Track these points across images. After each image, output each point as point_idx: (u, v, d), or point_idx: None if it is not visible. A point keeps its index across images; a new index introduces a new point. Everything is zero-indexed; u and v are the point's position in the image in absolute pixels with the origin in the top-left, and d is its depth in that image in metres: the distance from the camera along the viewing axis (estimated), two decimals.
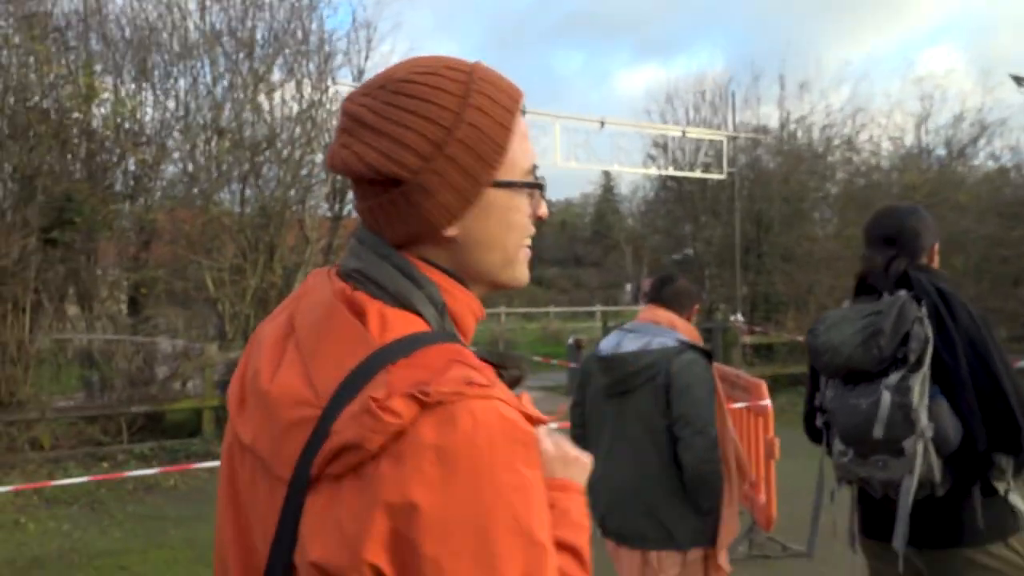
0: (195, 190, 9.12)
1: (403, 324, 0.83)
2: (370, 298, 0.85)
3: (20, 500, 6.82)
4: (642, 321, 2.94)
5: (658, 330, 2.86)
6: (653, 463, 2.74)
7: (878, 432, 2.23)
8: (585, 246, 52.56)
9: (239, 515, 0.88)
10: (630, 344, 2.85)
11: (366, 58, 10.48)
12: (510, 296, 37.78)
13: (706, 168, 12.09)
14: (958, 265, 14.33)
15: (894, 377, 2.22)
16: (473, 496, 0.73)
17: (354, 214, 9.21)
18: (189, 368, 9.09)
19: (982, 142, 14.45)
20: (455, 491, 0.73)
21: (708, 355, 2.88)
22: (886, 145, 13.98)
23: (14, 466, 7.84)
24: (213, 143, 9.14)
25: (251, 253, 9.44)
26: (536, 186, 0.93)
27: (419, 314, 0.85)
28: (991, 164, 15.35)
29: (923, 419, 2.16)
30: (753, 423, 5.26)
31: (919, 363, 2.19)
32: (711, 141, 12.37)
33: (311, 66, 9.72)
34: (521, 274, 0.96)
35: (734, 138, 12.62)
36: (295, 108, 9.65)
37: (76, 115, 8.38)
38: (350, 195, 11.15)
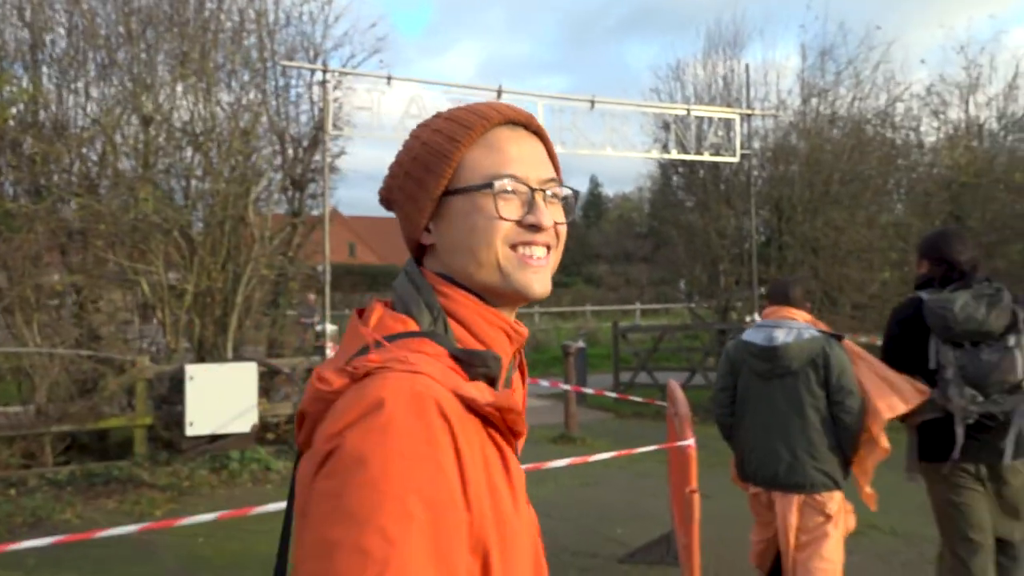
0: (121, 186, 8.28)
1: (395, 325, 0.98)
2: (380, 305, 1.02)
3: None
4: (780, 318, 3.73)
5: (800, 325, 3.65)
6: (817, 427, 3.54)
7: (1013, 377, 3.31)
8: (635, 241, 50.94)
9: None
10: (784, 337, 3.61)
11: (323, 37, 9.51)
12: (555, 295, 36.65)
13: (716, 151, 10.74)
14: (1015, 255, 12.67)
15: (1012, 339, 3.32)
16: (360, 450, 0.81)
17: (315, 211, 8.02)
18: (116, 383, 8.25)
19: None
20: (351, 441, 0.82)
21: (841, 339, 3.72)
22: (928, 120, 12.39)
23: None
24: (140, 134, 8.29)
25: (190, 254, 8.57)
26: (484, 187, 0.99)
27: (413, 317, 0.98)
28: None
29: None
30: None
31: (1019, 329, 3.33)
32: (722, 120, 11.03)
33: (251, 47, 8.79)
34: (519, 280, 1.00)
35: (748, 116, 11.26)
36: (235, 95, 8.74)
37: None
38: (309, 191, 10.21)
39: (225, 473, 7.90)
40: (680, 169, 12.56)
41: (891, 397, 3.44)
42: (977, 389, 3.31)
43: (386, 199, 1.08)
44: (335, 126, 9.28)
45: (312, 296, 18.36)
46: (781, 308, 3.79)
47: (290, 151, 9.67)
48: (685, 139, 10.77)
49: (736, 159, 11.06)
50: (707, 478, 4.91)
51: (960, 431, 3.34)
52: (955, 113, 12.76)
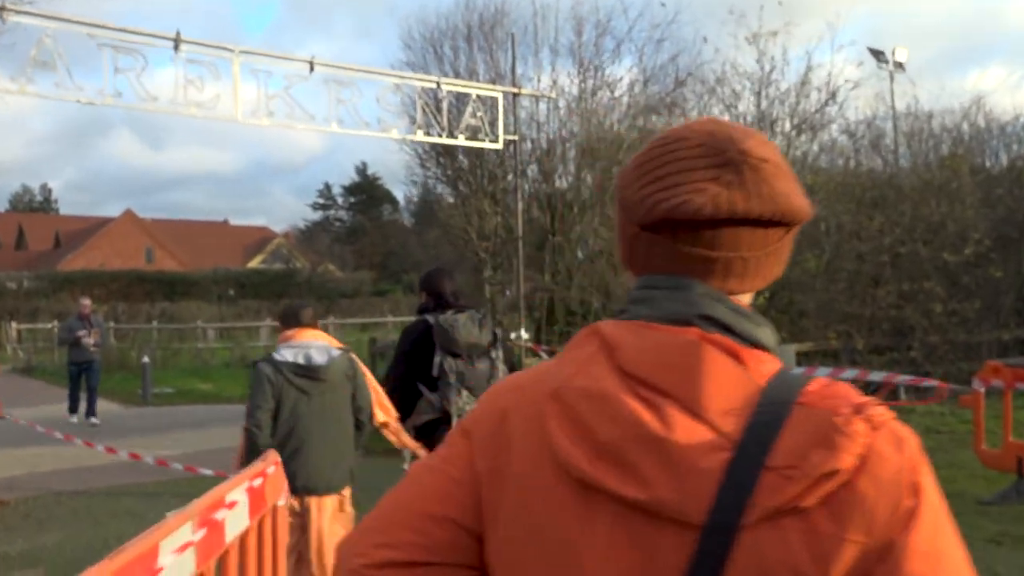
0: None
1: (768, 362, 0.90)
2: (729, 340, 0.90)
3: None
4: (306, 340, 4.21)
5: (325, 344, 4.25)
6: (348, 435, 4.21)
7: (496, 381, 4.01)
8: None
9: None
10: (320, 357, 4.15)
11: None
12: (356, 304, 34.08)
13: (474, 134, 8.89)
14: (811, 266, 11.69)
15: (494, 352, 4.40)
16: (934, 500, 0.83)
17: None
18: None
19: (833, 110, 11.84)
20: (928, 492, 0.83)
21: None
22: (717, 111, 11.15)
23: None
24: None
25: None
26: None
27: (767, 350, 0.92)
28: (844, 140, 12.83)
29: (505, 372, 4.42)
30: None
31: (499, 344, 4.47)
32: (485, 99, 9.21)
33: None
34: None
35: (516, 96, 9.51)
36: None
37: None
38: None
39: None
40: (441, 158, 10.64)
41: (382, 405, 4.35)
42: (470, 391, 4.20)
43: (801, 221, 0.94)
44: None
45: (87, 302, 13.60)
46: (301, 330, 4.24)
47: None
48: (437, 119, 8.86)
49: (499, 145, 9.26)
50: None
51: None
52: (746, 107, 11.64)
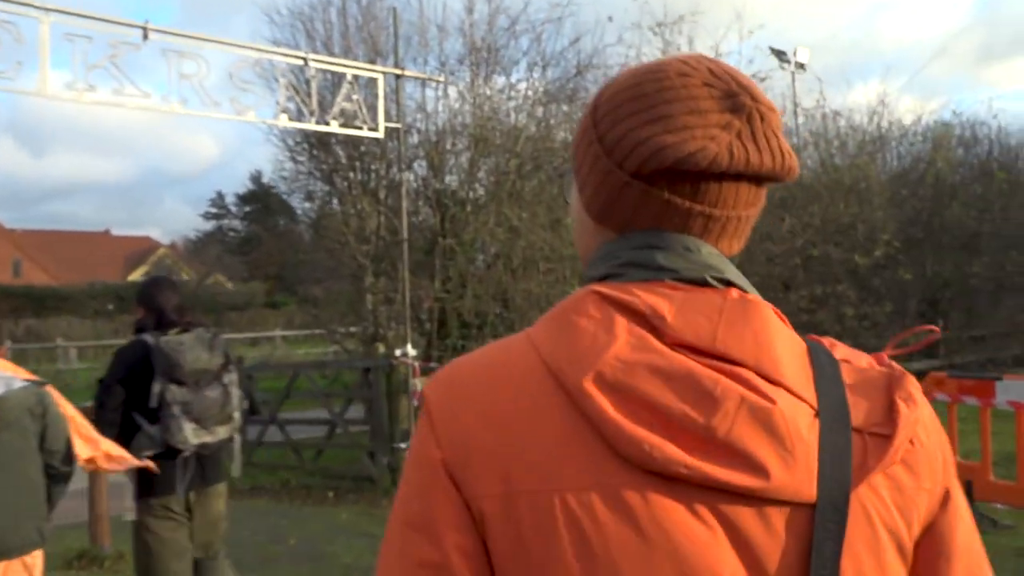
0: None
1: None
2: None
3: None
4: None
5: (5, 375, 3.42)
6: (34, 485, 3.39)
7: (229, 409, 3.85)
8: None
9: None
10: None
11: None
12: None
13: (349, 121, 7.67)
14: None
15: (227, 377, 3.85)
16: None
17: None
18: None
19: None
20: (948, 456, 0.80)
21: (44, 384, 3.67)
22: None
23: None
24: None
25: None
26: None
27: None
28: None
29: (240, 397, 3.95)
30: None
31: (232, 366, 3.91)
32: (359, 80, 8.02)
33: None
34: None
35: (398, 77, 8.33)
36: None
37: None
38: None
39: None
40: (315, 150, 9.34)
41: (84, 436, 3.66)
42: (199, 423, 3.74)
43: (795, 176, 0.84)
44: None
45: None
46: None
47: None
48: (306, 103, 7.61)
49: (379, 134, 8.05)
50: None
51: (185, 463, 3.78)
52: None
